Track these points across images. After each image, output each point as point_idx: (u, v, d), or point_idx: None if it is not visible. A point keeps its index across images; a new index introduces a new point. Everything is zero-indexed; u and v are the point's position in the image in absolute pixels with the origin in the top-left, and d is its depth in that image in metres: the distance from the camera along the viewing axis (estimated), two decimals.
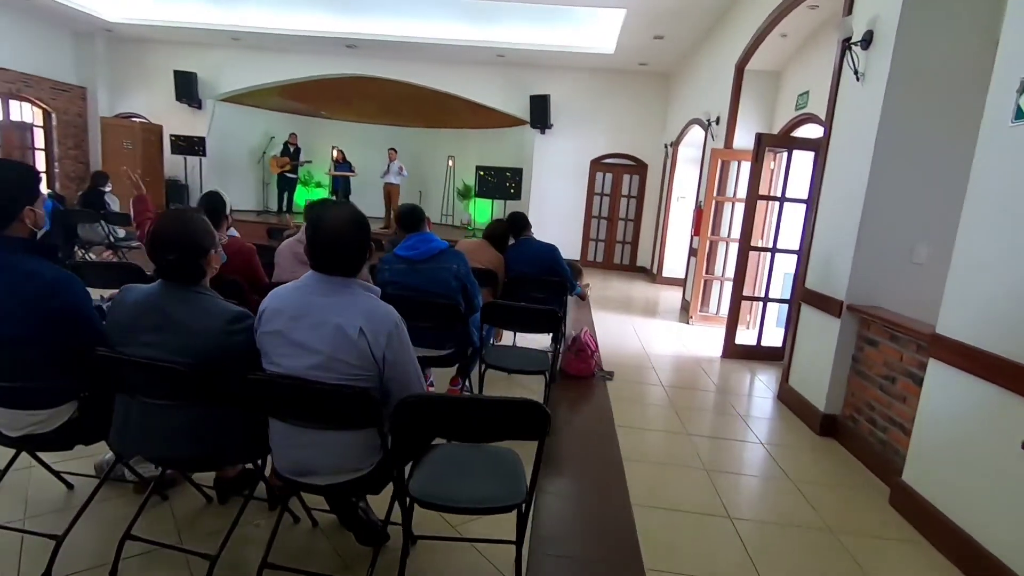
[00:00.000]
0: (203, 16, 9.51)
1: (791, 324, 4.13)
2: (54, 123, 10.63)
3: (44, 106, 10.44)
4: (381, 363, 1.58)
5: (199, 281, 1.70)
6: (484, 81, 10.32)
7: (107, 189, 6.46)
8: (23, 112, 10.26)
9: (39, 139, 10.57)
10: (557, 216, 10.33)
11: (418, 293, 2.86)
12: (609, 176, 10.44)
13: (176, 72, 10.62)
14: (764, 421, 3.79)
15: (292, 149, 10.96)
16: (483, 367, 3.15)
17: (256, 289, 3.05)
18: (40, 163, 10.64)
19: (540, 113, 9.93)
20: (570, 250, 10.41)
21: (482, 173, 9.83)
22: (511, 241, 4.22)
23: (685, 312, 6.73)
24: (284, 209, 11.41)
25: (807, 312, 3.91)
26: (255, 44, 10.39)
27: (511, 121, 10.82)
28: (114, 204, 6.46)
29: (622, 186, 10.45)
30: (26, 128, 10.39)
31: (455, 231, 11.60)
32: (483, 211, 10.75)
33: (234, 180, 11.84)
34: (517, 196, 9.74)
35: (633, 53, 8.82)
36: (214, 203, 2.99)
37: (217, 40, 10.37)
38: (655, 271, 9.50)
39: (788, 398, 4.01)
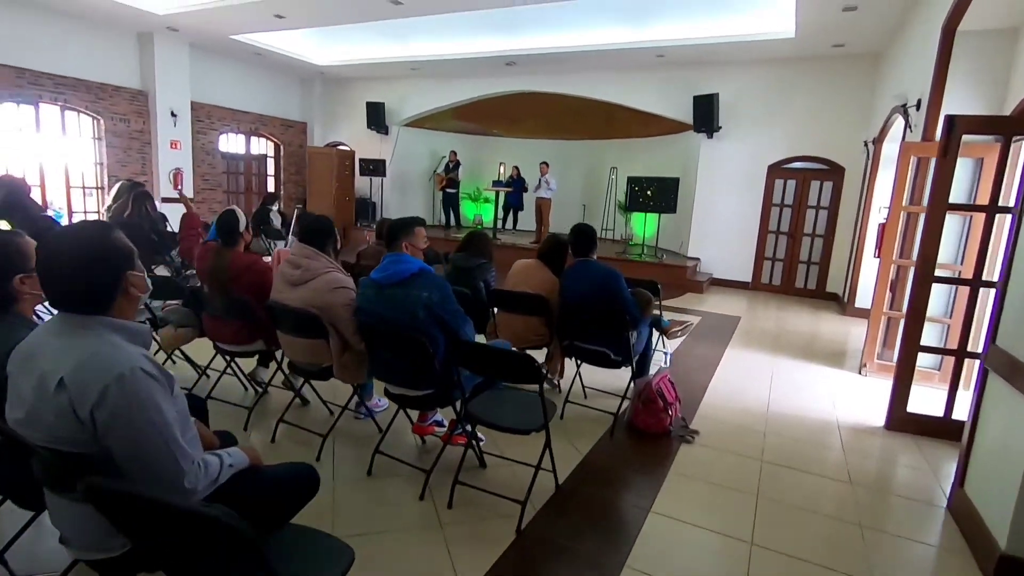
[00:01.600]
0: (387, 52, 10.55)
1: (976, 397, 2.71)
2: (282, 154, 12.87)
3: (275, 140, 12.69)
4: (91, 426, 1.24)
5: (8, 308, 1.58)
6: (643, 85, 9.51)
7: (274, 208, 7.44)
8: (260, 146, 12.61)
9: (270, 167, 12.89)
10: (724, 231, 8.98)
11: (383, 322, 2.47)
12: (792, 183, 8.70)
13: (368, 103, 11.99)
14: (905, 544, 2.50)
15: (451, 165, 11.44)
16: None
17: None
18: (271, 186, 12.96)
19: (705, 115, 8.75)
20: (740, 271, 8.97)
21: (634, 185, 9.03)
22: (571, 262, 3.58)
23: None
24: (452, 224, 11.94)
25: (994, 384, 2.52)
26: (429, 72, 11.20)
27: (677, 127, 9.78)
28: (276, 221, 7.39)
29: (809, 195, 8.62)
30: (263, 159, 12.77)
31: (614, 246, 10.90)
32: (640, 225, 9.88)
33: (412, 198, 12.94)
34: (672, 209, 8.70)
35: (822, 33, 7.20)
36: (228, 221, 3.03)
37: (399, 72, 11.43)
38: (846, 299, 7.59)
39: (960, 511, 2.63)
